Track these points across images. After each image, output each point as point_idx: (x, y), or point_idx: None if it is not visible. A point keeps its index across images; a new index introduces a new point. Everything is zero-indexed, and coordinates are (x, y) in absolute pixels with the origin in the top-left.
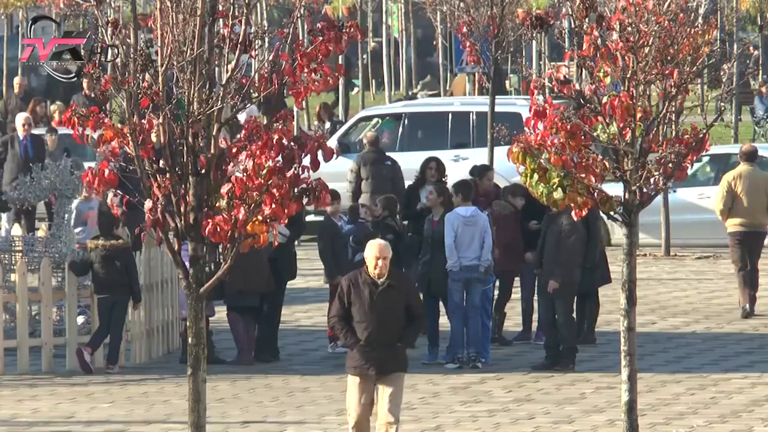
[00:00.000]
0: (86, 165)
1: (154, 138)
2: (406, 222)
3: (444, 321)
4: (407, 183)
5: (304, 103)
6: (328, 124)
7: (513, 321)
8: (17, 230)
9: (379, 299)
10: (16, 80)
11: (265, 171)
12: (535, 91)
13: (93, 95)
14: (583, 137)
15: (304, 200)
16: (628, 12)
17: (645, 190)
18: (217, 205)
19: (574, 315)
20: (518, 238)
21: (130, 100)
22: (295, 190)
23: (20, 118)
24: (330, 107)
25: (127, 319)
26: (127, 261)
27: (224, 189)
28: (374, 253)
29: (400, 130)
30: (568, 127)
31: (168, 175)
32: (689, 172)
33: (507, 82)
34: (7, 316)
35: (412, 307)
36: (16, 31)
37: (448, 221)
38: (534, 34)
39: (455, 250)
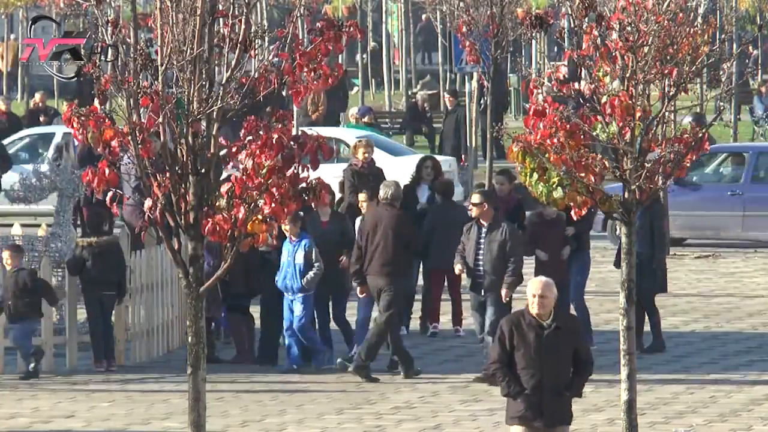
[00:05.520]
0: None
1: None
2: None
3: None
4: None
5: None
6: None
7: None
8: (17, 230)
9: (546, 343)
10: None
11: (264, 170)
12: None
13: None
14: (582, 136)
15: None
16: (628, 11)
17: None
18: (216, 204)
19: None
20: (558, 245)
21: (130, 100)
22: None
23: None
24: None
25: (127, 318)
26: (118, 256)
27: (224, 188)
28: (533, 290)
29: None
30: (568, 126)
31: (168, 174)
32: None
33: (506, 81)
34: None
35: (580, 351)
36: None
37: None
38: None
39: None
